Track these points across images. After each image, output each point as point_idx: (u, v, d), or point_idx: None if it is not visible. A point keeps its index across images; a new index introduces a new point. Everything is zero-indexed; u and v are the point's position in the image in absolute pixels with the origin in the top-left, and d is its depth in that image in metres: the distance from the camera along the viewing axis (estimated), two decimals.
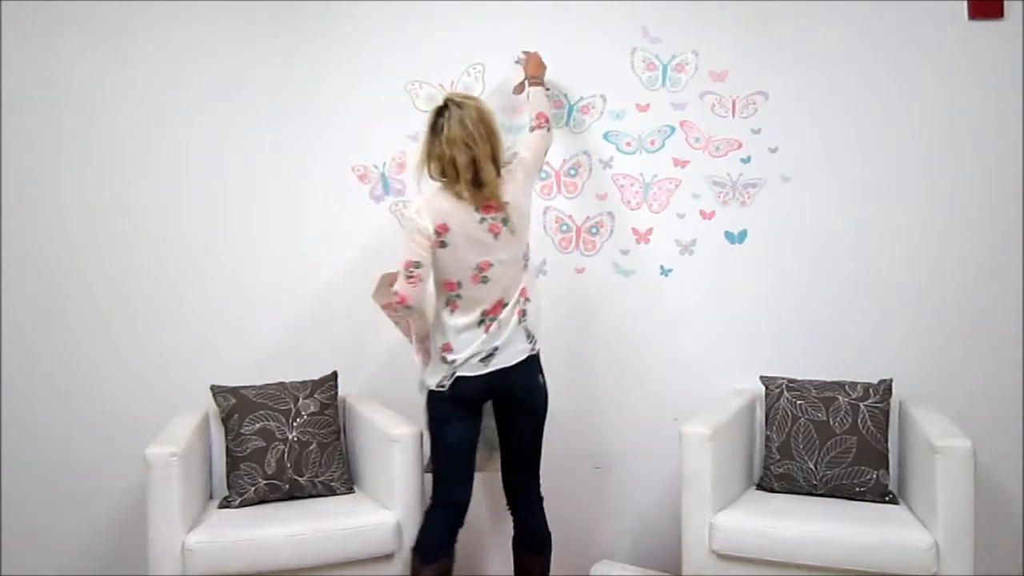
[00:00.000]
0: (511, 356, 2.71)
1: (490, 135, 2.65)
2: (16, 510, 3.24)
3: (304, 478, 3.01)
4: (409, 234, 2.65)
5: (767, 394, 3.10)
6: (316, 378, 3.19)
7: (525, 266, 2.78)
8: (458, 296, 2.69)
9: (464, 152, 2.60)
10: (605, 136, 3.33)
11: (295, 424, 3.05)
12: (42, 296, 3.26)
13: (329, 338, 3.35)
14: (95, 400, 3.27)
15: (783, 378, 3.09)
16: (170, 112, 3.28)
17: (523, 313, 2.74)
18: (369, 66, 3.33)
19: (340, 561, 2.76)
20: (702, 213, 3.31)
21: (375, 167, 3.36)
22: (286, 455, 3.00)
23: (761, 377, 3.15)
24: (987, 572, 2.80)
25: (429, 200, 2.67)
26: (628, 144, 3.32)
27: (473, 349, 2.68)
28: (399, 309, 2.68)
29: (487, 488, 3.40)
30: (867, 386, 2.99)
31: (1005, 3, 3.11)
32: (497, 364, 2.69)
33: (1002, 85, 3.12)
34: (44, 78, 3.22)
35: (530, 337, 2.75)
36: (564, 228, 3.34)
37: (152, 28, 3.26)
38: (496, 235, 2.67)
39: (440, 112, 2.65)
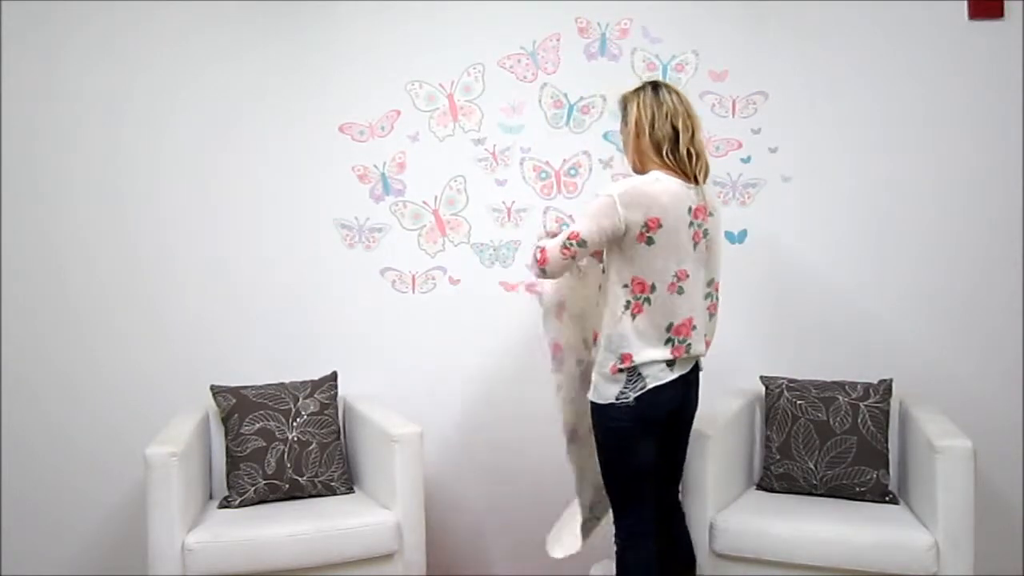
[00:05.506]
0: (686, 363, 2.45)
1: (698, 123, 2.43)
2: (16, 510, 3.23)
3: (304, 478, 3.01)
4: (600, 211, 2.35)
5: (767, 394, 3.10)
6: (316, 378, 3.19)
7: (712, 297, 2.51)
8: (647, 300, 2.37)
9: (686, 126, 2.36)
10: (605, 136, 3.32)
11: (295, 424, 3.05)
12: (42, 297, 3.25)
13: (329, 338, 3.35)
14: (95, 400, 3.27)
15: (783, 378, 3.09)
16: (172, 112, 3.28)
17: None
18: (369, 66, 3.33)
19: (340, 561, 2.76)
20: None
21: (375, 167, 3.36)
22: (286, 455, 3.00)
23: (761, 377, 3.14)
24: (987, 572, 2.80)
25: (646, 190, 2.34)
26: None
27: (656, 355, 2.38)
28: (535, 270, 2.48)
29: (490, 488, 3.41)
30: (867, 386, 2.99)
31: (1005, 3, 3.12)
32: (679, 371, 2.42)
33: (1002, 85, 3.13)
34: (44, 78, 3.22)
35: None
36: (564, 228, 3.33)
37: (152, 30, 3.26)
38: (695, 244, 2.40)
39: (649, 91, 2.41)
